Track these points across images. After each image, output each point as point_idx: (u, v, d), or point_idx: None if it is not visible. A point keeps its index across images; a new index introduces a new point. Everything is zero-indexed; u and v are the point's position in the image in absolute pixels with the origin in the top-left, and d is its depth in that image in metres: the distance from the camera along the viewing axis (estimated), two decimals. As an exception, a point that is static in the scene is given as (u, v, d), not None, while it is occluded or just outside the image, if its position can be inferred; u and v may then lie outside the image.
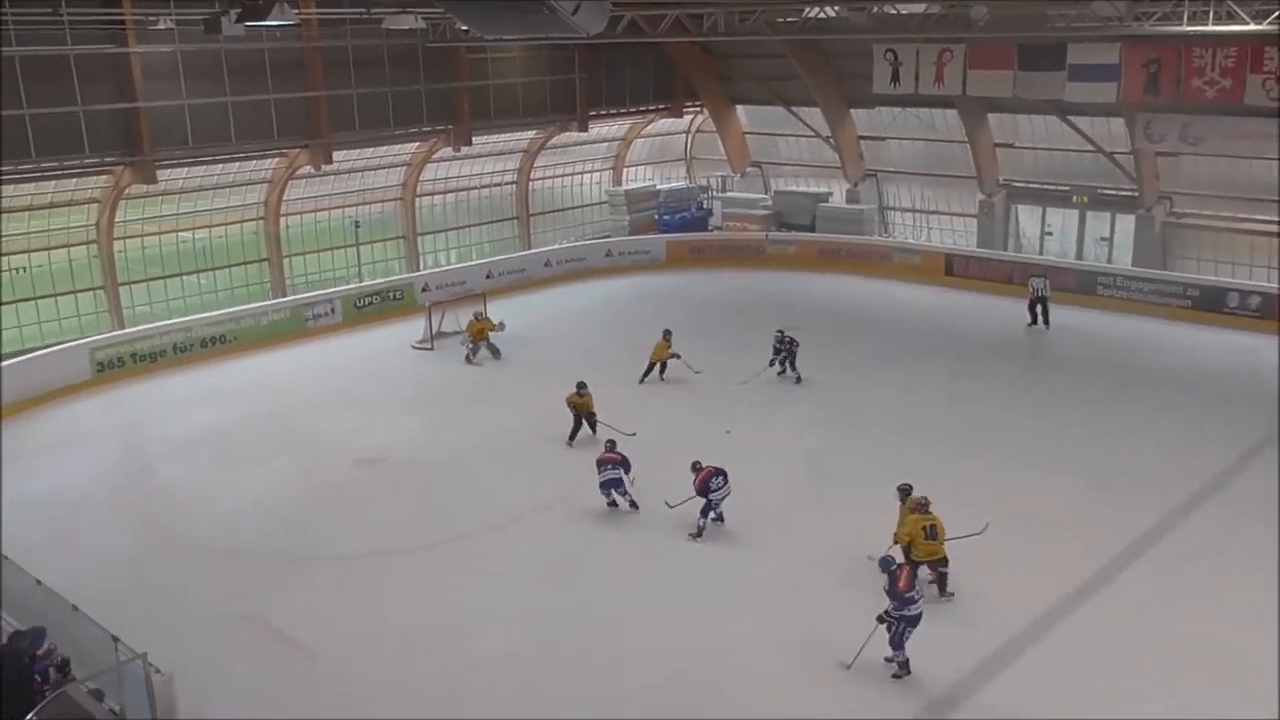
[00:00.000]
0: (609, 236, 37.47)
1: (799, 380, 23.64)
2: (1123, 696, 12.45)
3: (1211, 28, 22.63)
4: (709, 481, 16.29)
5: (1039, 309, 27.93)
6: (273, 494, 18.81)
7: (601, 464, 17.35)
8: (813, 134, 37.27)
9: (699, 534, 16.50)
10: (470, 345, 25.91)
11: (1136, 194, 31.07)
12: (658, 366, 23.78)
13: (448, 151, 32.92)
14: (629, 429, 19.65)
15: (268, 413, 22.77)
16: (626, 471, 17.29)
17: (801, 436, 20.73)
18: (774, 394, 23.13)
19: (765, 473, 18.62)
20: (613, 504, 17.47)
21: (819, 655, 13.32)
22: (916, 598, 12.75)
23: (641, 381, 23.65)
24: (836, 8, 27.84)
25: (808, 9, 28.59)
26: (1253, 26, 21.97)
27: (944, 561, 14.42)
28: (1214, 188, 30.28)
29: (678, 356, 23.68)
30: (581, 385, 20.38)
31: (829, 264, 34.31)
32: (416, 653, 13.72)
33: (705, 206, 39.21)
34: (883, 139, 36.42)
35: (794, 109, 37.06)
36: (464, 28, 25.66)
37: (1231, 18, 21.91)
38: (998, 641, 13.55)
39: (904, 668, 12.88)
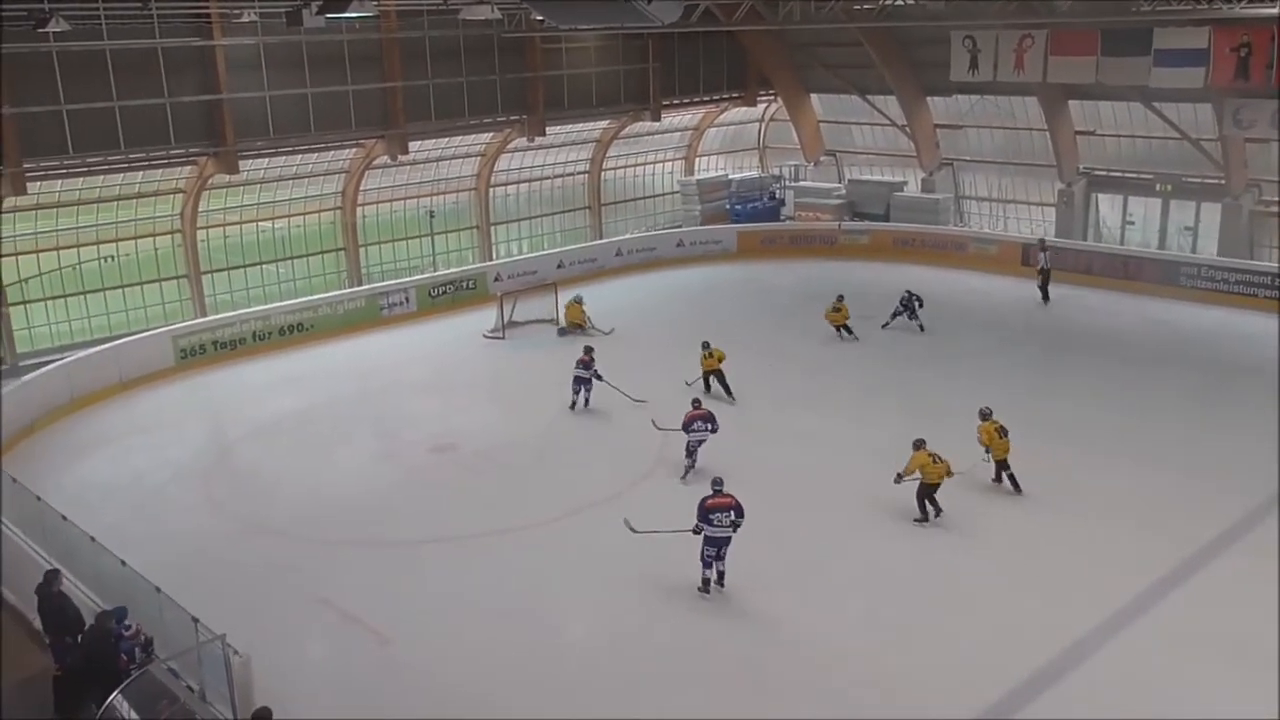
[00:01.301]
0: (680, 226, 37.42)
1: (922, 329, 26.16)
2: (1202, 696, 12.19)
3: (1306, 11, 21.93)
4: (693, 422, 17.98)
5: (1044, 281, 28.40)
6: (348, 479, 19.14)
7: (579, 364, 21.16)
8: (888, 123, 36.83)
9: (684, 475, 18.01)
10: (566, 325, 27.06)
11: (1223, 182, 30.22)
12: (841, 328, 25.77)
13: (521, 142, 33.16)
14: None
15: (344, 400, 23.17)
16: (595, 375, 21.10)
17: (881, 429, 20.48)
18: (847, 384, 23.03)
19: (841, 465, 18.58)
20: (573, 405, 21.12)
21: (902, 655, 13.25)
22: (717, 522, 14.22)
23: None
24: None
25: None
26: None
27: (1006, 464, 17.12)
28: (1306, 175, 29.34)
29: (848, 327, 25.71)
30: (705, 345, 22.08)
31: (903, 254, 33.87)
32: (489, 639, 13.86)
33: (777, 196, 38.96)
34: (959, 127, 35.84)
35: (869, 97, 36.66)
36: (540, 18, 25.82)
37: (1327, 0, 21.20)
38: (1076, 634, 13.34)
39: (705, 585, 14.48)
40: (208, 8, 25.01)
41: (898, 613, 14.12)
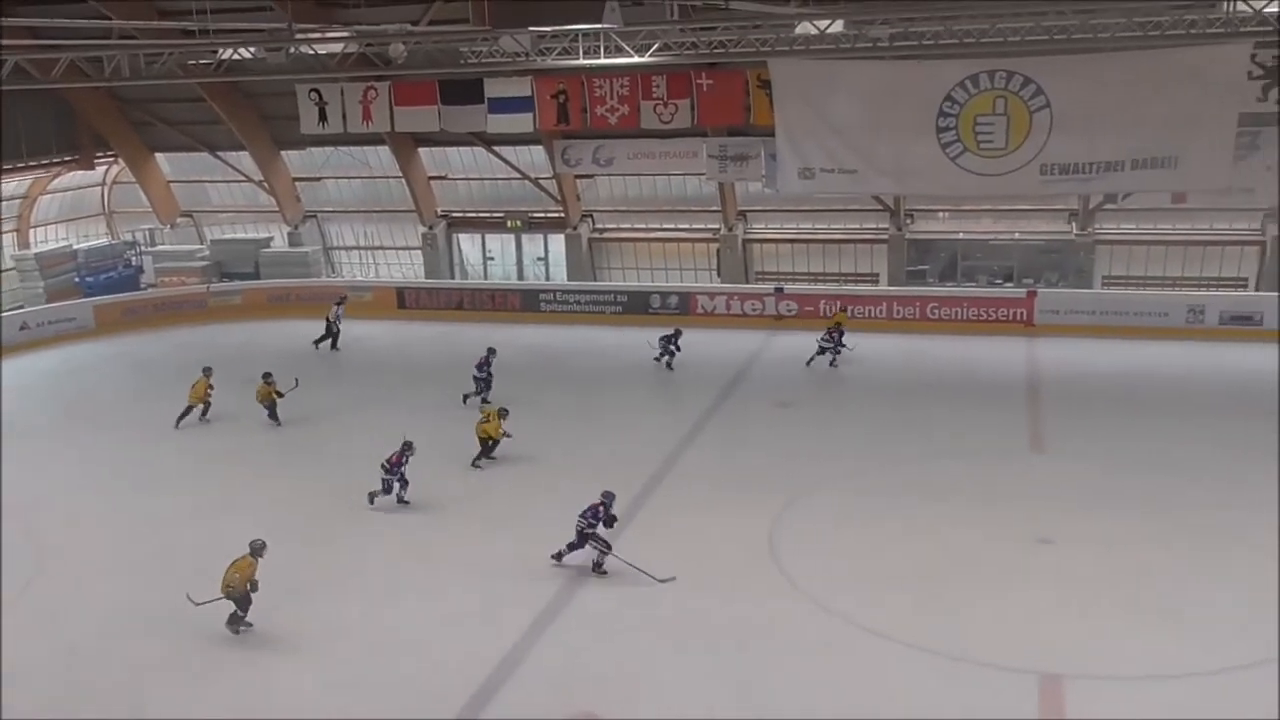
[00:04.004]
0: (22, 307, 33.33)
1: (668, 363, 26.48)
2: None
3: (604, 60, 25.15)
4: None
5: (335, 332, 28.96)
6: None
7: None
8: (244, 179, 36.03)
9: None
10: None
11: (563, 215, 33.68)
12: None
13: None
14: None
15: None
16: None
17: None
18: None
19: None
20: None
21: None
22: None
23: None
24: (253, 49, 26.99)
25: (221, 50, 27.41)
26: (637, 59, 24.75)
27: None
28: (626, 203, 33.83)
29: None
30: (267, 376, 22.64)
31: (280, 310, 33.10)
32: None
33: (134, 263, 36.52)
34: (319, 179, 36.13)
35: (220, 154, 35.61)
36: None
37: (620, 51, 24.48)
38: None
39: (559, 559, 15.87)
40: None
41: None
